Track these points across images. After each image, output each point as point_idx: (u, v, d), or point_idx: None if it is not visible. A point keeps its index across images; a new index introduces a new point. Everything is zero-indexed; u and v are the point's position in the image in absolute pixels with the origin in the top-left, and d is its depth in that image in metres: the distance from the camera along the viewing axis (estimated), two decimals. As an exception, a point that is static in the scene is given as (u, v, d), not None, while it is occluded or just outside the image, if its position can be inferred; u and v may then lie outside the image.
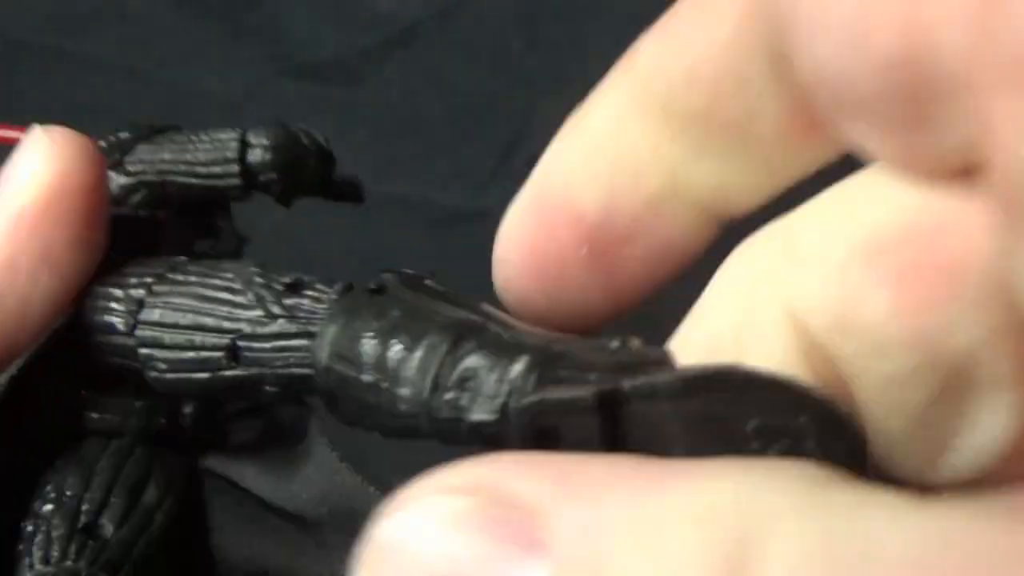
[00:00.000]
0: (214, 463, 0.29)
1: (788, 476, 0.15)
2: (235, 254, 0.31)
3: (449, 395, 0.20)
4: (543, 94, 0.74)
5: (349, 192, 0.31)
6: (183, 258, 0.26)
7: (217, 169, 0.29)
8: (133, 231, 0.28)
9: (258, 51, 0.75)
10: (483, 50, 0.74)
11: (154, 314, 0.25)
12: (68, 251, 0.25)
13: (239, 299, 0.24)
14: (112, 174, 0.29)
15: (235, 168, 0.29)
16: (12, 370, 0.25)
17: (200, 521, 0.28)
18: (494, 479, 0.16)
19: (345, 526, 0.27)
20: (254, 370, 0.24)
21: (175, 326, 0.25)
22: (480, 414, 0.20)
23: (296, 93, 0.74)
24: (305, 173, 0.30)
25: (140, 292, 0.26)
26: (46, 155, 0.25)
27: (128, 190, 0.29)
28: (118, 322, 0.25)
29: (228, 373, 0.24)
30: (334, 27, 0.75)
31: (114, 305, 0.26)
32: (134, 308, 0.25)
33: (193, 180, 0.29)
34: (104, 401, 0.27)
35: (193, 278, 0.25)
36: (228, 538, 0.28)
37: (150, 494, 0.26)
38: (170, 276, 0.26)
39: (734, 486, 0.15)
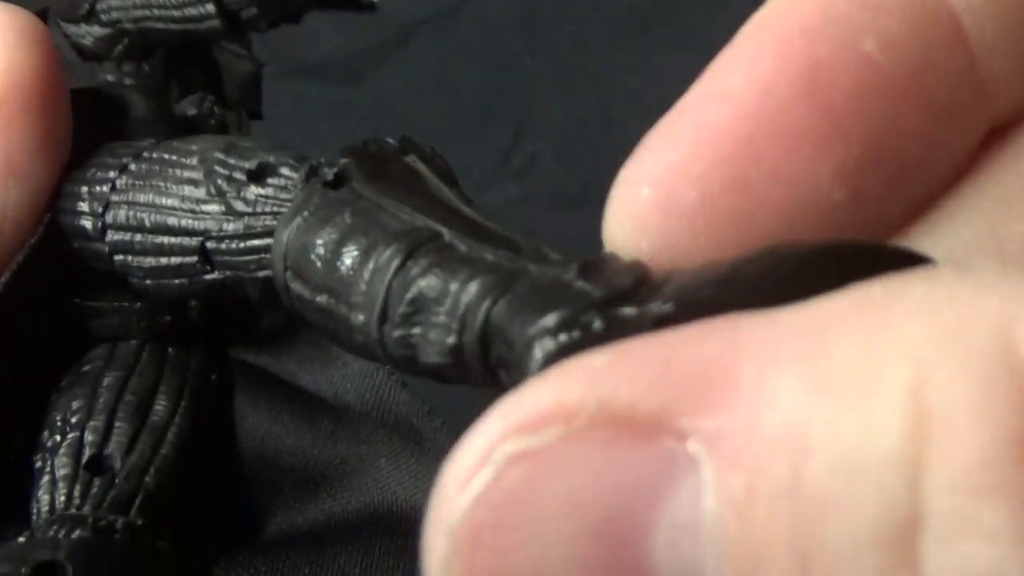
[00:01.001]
0: (243, 353, 0.26)
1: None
2: (251, 101, 0.29)
3: (398, 332, 0.18)
4: (543, 94, 0.74)
5: (356, 1, 0.28)
6: (149, 142, 0.24)
7: (191, 11, 0.26)
8: (102, 105, 0.26)
9: (258, 51, 0.75)
10: (483, 50, 0.74)
11: (120, 215, 0.23)
12: (32, 156, 0.23)
13: (200, 193, 0.22)
14: (84, 27, 0.27)
15: (210, 8, 0.26)
16: None
17: (225, 420, 0.25)
18: (590, 394, 0.13)
19: (384, 419, 0.25)
20: (230, 273, 0.22)
21: (142, 228, 0.23)
22: (433, 357, 0.18)
23: (296, 93, 0.74)
24: None
25: (104, 190, 0.23)
26: None
27: (108, 41, 0.27)
28: (88, 226, 0.23)
29: (207, 277, 0.22)
30: (334, 27, 0.75)
31: (81, 206, 0.23)
32: (100, 210, 0.23)
33: (171, 25, 0.26)
34: (101, 306, 0.24)
35: (156, 167, 0.23)
36: (258, 432, 0.25)
37: (159, 410, 0.24)
38: (133, 167, 0.23)
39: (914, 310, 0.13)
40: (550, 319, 0.16)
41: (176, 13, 0.26)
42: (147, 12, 0.26)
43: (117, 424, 0.23)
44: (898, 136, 0.17)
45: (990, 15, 0.17)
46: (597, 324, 0.15)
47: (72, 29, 0.27)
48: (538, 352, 0.16)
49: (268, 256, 0.21)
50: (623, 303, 0.16)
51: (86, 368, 0.24)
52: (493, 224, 0.19)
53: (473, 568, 0.13)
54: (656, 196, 0.17)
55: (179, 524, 0.23)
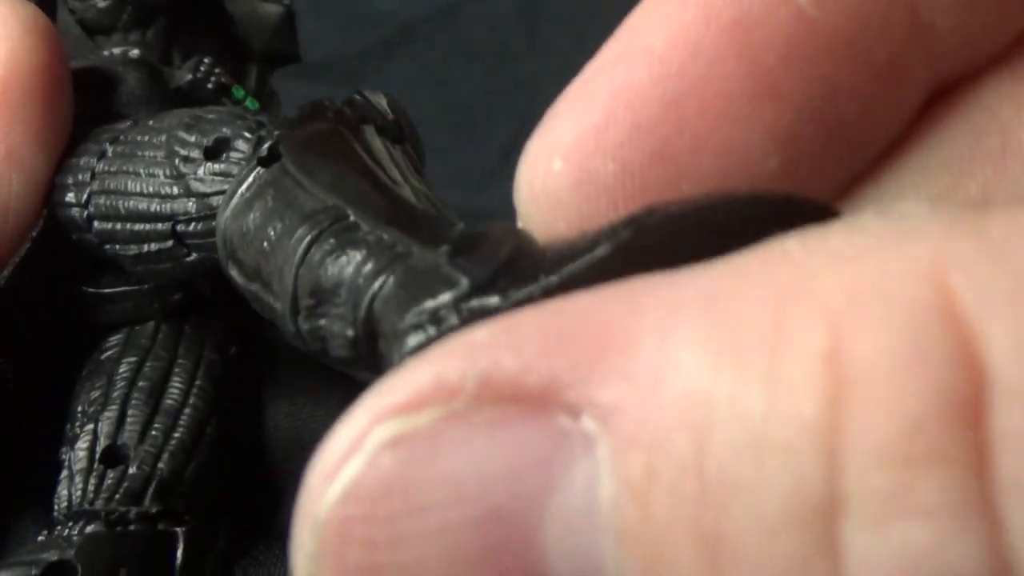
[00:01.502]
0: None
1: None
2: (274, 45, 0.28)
3: (307, 324, 0.17)
4: (543, 94, 0.74)
5: None
6: (126, 124, 0.24)
7: None
8: (98, 84, 0.26)
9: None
10: (483, 50, 0.74)
11: (100, 205, 0.23)
12: (34, 147, 0.23)
13: (163, 175, 0.22)
14: (89, 0, 0.27)
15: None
16: None
17: (245, 394, 0.25)
18: (471, 369, 0.12)
19: None
20: (204, 255, 0.22)
21: (119, 217, 0.23)
22: (339, 351, 0.17)
23: (296, 93, 0.74)
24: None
25: (86, 178, 0.23)
26: None
27: (111, 13, 0.27)
28: (77, 217, 0.23)
29: (187, 260, 0.22)
30: (334, 27, 0.75)
31: (69, 197, 0.23)
32: (84, 199, 0.23)
33: None
34: (113, 292, 0.24)
35: (127, 150, 0.23)
36: (281, 408, 0.24)
37: (173, 392, 0.23)
38: (110, 152, 0.23)
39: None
40: (411, 316, 0.15)
41: None
42: None
43: (131, 412, 0.23)
44: (835, 96, 0.15)
45: None
46: (452, 320, 0.14)
47: (77, 4, 0.27)
48: (396, 357, 0.15)
49: None
50: (487, 291, 0.14)
51: (104, 356, 0.24)
52: (422, 200, 0.18)
53: (343, 567, 0.12)
54: (570, 169, 0.16)
55: (200, 507, 0.23)
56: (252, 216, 0.18)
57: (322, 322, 0.17)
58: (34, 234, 0.23)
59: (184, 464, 0.22)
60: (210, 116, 0.22)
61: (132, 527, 0.21)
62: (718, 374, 0.11)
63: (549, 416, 0.11)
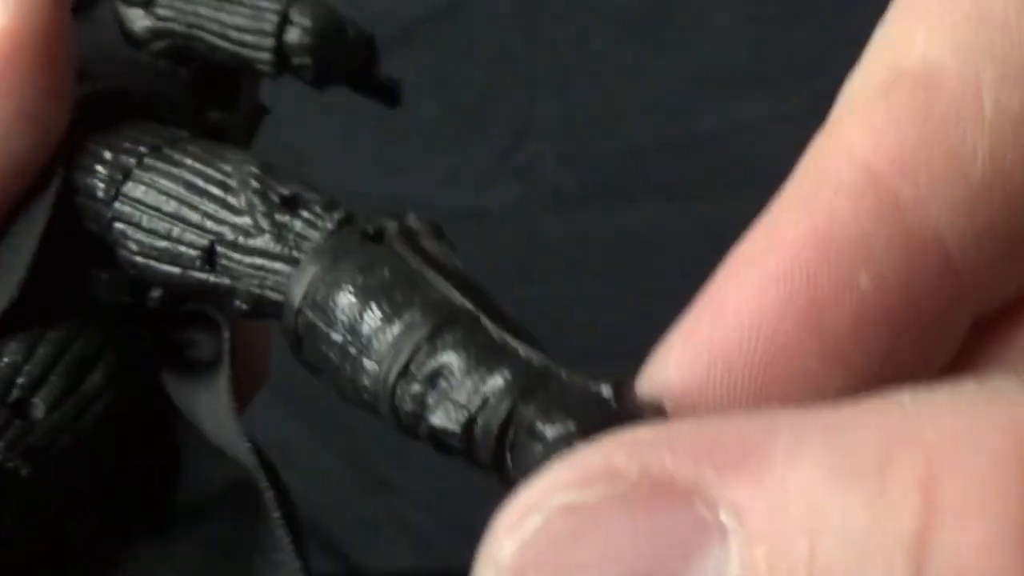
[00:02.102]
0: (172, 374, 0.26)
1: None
2: (250, 129, 0.29)
3: (416, 387, 0.19)
4: (543, 94, 0.74)
5: (387, 93, 0.29)
6: (185, 133, 0.24)
7: (250, 38, 0.26)
8: (139, 79, 0.26)
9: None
10: (483, 50, 0.74)
11: (138, 190, 0.23)
12: (43, 101, 0.23)
13: (230, 199, 0.23)
14: (140, 12, 0.27)
15: (269, 42, 0.26)
16: (31, 247, 0.23)
17: (158, 411, 0.25)
18: (634, 461, 0.15)
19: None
20: (226, 280, 0.22)
21: (156, 210, 0.23)
22: (442, 421, 0.19)
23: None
24: (342, 64, 0.27)
25: (130, 161, 0.24)
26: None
27: (153, 34, 0.27)
28: (99, 187, 0.23)
29: (199, 275, 0.22)
30: (334, 27, 0.75)
31: (100, 168, 0.24)
32: (119, 177, 0.23)
33: (222, 43, 0.26)
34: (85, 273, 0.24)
35: (189, 160, 0.23)
36: (193, 434, 0.25)
37: (94, 379, 0.23)
38: (166, 151, 0.24)
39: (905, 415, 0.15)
40: (580, 425, 0.17)
41: (233, 34, 0.26)
42: (205, 22, 0.26)
43: (52, 378, 0.23)
44: (892, 354, 0.19)
45: (972, 239, 0.18)
46: None
47: (125, 10, 0.27)
48: (563, 451, 0.17)
49: (276, 278, 0.22)
50: None
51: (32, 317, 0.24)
52: (516, 323, 0.20)
53: None
54: (675, 412, 0.19)
55: (80, 497, 0.23)
56: (360, 280, 0.20)
57: (434, 393, 0.19)
58: (52, 199, 0.23)
59: (81, 450, 0.23)
60: (280, 169, 0.23)
61: (20, 484, 0.22)
62: (833, 491, 0.14)
63: (693, 507, 0.15)
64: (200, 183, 0.23)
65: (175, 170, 0.23)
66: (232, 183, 0.23)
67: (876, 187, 0.18)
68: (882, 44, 0.19)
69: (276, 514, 0.21)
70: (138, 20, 0.27)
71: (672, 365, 0.19)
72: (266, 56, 0.26)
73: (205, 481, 0.25)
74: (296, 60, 0.26)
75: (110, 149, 0.24)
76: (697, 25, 0.73)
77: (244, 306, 0.22)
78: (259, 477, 0.22)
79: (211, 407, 0.24)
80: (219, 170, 0.23)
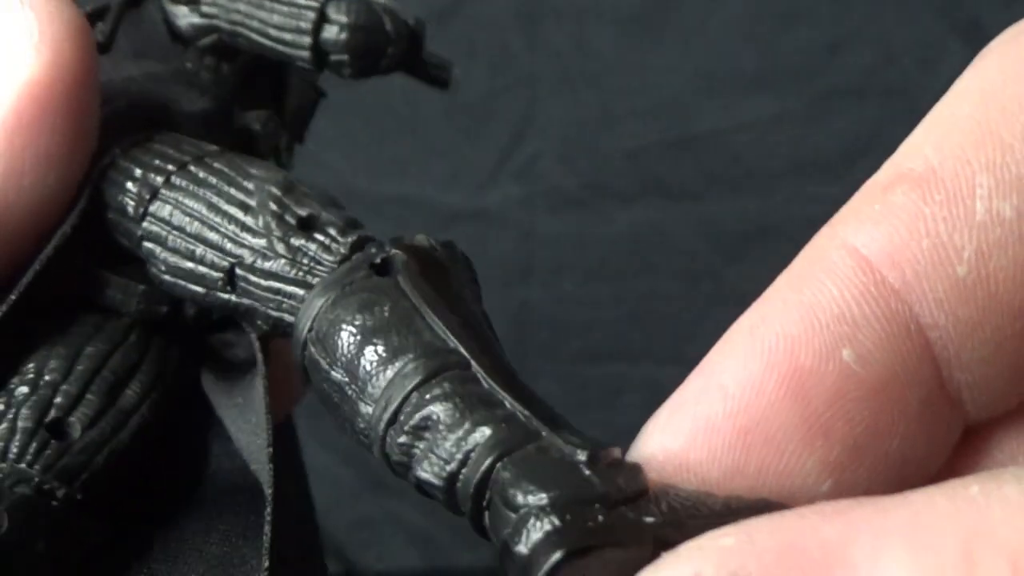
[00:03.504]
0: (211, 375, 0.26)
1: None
2: (303, 116, 0.29)
3: (403, 438, 0.19)
4: (543, 94, 0.74)
5: (438, 76, 0.29)
6: (214, 148, 0.24)
7: (287, 36, 0.27)
8: (169, 92, 0.26)
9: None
10: (483, 50, 0.74)
11: (164, 210, 0.23)
12: (68, 146, 0.23)
13: (249, 221, 0.23)
14: (185, 9, 0.28)
15: (306, 40, 0.26)
16: (44, 256, 0.23)
17: (192, 421, 0.25)
18: (720, 571, 0.16)
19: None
20: (246, 301, 0.23)
21: (181, 230, 0.23)
22: (427, 473, 0.19)
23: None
24: (384, 57, 0.27)
25: (158, 180, 0.24)
26: (37, 43, 0.23)
27: (199, 31, 0.27)
28: (129, 205, 0.24)
29: (222, 295, 0.23)
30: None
31: (130, 185, 0.24)
32: (147, 195, 0.24)
33: (262, 40, 0.27)
34: (108, 276, 0.24)
35: (213, 179, 0.24)
36: (224, 446, 0.25)
37: (130, 394, 0.24)
38: (192, 169, 0.24)
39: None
40: (551, 497, 0.17)
41: (273, 31, 0.27)
42: (246, 19, 0.27)
43: (88, 396, 0.23)
44: (877, 436, 0.19)
45: (955, 333, 0.19)
46: (600, 519, 0.17)
47: (171, 8, 0.28)
48: (533, 524, 0.17)
49: (291, 302, 0.22)
50: (622, 505, 0.17)
51: (73, 329, 0.24)
52: (510, 369, 0.20)
53: None
54: (659, 478, 0.19)
55: (120, 511, 0.23)
56: (360, 317, 0.20)
57: (420, 444, 0.19)
58: (81, 206, 0.24)
59: (120, 466, 0.23)
60: (302, 187, 0.23)
61: (56, 504, 0.22)
62: None
63: None
64: (222, 204, 0.23)
65: (199, 190, 0.23)
66: (252, 203, 0.23)
67: (864, 272, 0.19)
68: (894, 156, 0.20)
69: (267, 532, 0.21)
70: (184, 17, 0.28)
71: (661, 429, 0.19)
72: (304, 54, 0.27)
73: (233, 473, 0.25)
74: (334, 57, 0.27)
75: (139, 166, 0.24)
76: (697, 25, 0.73)
77: (264, 326, 0.22)
78: (266, 485, 0.22)
79: (244, 414, 0.24)
80: (241, 189, 0.23)
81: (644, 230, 0.74)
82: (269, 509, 0.21)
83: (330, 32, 0.27)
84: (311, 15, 0.26)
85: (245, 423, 0.24)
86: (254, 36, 0.27)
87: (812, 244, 0.20)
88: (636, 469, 0.18)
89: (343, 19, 0.27)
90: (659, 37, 0.73)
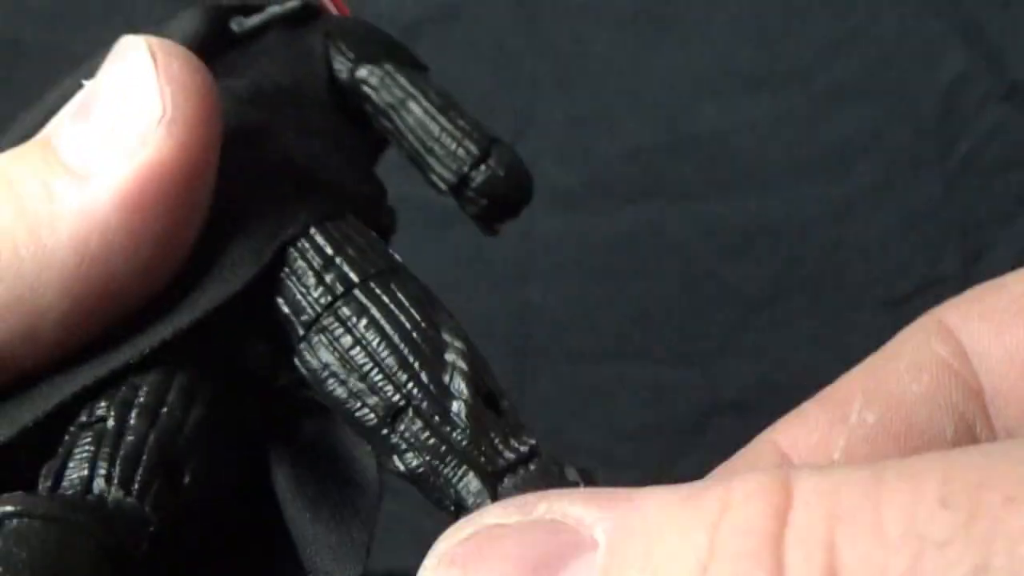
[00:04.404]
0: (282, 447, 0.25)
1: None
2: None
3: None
4: (543, 94, 0.74)
5: (489, 228, 0.30)
6: (402, 264, 0.23)
7: (441, 152, 0.28)
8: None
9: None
10: (483, 50, 0.74)
11: (350, 310, 0.22)
12: (179, 229, 0.22)
13: (441, 374, 0.21)
14: (349, 65, 0.29)
15: (458, 168, 0.28)
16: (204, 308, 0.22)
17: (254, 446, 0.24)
18: (543, 503, 0.19)
19: None
20: (394, 440, 0.21)
21: (347, 363, 0.21)
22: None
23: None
24: (510, 215, 0.28)
25: (352, 277, 0.22)
26: (169, 122, 0.21)
27: (351, 89, 0.29)
28: (310, 281, 0.22)
29: (373, 422, 0.21)
30: (334, 27, 0.75)
31: (316, 260, 0.22)
32: (338, 288, 0.22)
33: (414, 143, 0.28)
34: (261, 343, 0.23)
35: (410, 307, 0.22)
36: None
37: (189, 470, 0.21)
38: (377, 291, 0.22)
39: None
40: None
41: (429, 143, 0.29)
42: (408, 119, 0.29)
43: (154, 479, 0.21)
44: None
45: None
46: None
47: (336, 55, 0.29)
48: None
49: (447, 472, 0.21)
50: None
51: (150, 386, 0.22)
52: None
53: None
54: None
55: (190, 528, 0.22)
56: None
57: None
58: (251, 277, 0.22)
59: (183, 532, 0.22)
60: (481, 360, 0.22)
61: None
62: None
63: (568, 528, 0.19)
64: (416, 336, 0.21)
65: (395, 310, 0.22)
66: (449, 358, 0.21)
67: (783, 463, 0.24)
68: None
69: None
70: (344, 72, 0.29)
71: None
72: (450, 177, 0.28)
73: None
74: (470, 194, 0.28)
75: (333, 247, 0.22)
76: (697, 25, 0.73)
77: (402, 469, 0.21)
78: None
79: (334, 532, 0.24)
80: (436, 330, 0.22)
81: (644, 230, 0.74)
82: None
83: (481, 176, 0.28)
84: (476, 151, 0.28)
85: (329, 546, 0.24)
86: (409, 136, 0.28)
87: (753, 442, 0.25)
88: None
89: (500, 172, 0.28)
90: (659, 37, 0.73)
